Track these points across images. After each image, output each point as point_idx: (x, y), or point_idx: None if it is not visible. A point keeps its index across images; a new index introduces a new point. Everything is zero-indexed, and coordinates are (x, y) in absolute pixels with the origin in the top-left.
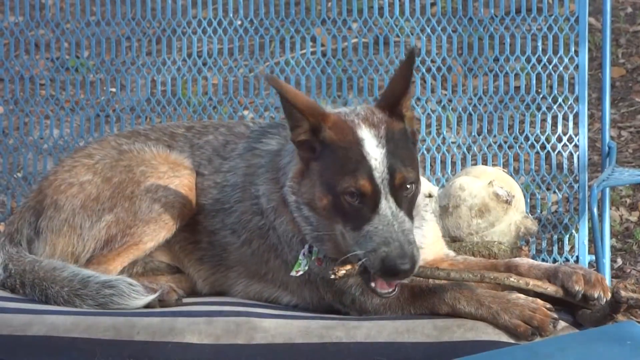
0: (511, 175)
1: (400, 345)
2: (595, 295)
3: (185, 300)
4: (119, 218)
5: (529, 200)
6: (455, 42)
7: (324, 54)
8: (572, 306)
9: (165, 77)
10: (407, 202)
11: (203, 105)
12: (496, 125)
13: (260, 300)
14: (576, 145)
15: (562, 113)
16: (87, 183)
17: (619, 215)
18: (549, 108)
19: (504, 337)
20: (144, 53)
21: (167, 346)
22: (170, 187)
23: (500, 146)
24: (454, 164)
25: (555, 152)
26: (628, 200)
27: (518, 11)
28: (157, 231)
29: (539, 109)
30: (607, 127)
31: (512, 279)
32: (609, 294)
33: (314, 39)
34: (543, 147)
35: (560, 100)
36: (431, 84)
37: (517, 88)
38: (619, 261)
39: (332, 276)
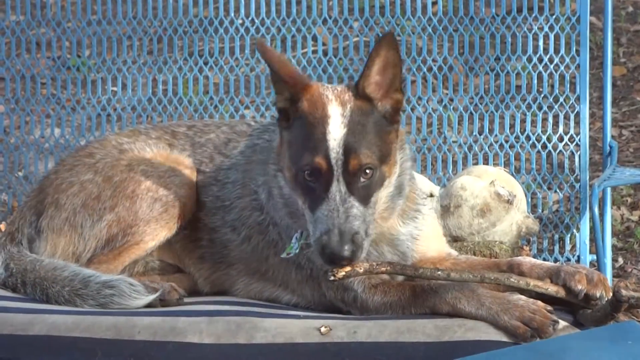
0: (512, 175)
1: (400, 345)
2: (597, 295)
3: (186, 299)
4: (120, 217)
5: (530, 200)
6: (457, 41)
7: (325, 53)
8: (572, 306)
9: (166, 76)
10: (363, 189)
11: (204, 105)
12: (497, 125)
13: (260, 299)
14: (577, 145)
15: (563, 112)
16: (88, 182)
17: (620, 215)
18: (550, 107)
19: (505, 337)
20: (145, 52)
21: (168, 346)
22: (171, 186)
23: (501, 145)
24: (455, 163)
25: (557, 152)
26: (629, 200)
27: (519, 10)
28: (158, 230)
29: (540, 108)
30: (608, 126)
31: (512, 279)
32: (611, 294)
33: (315, 38)
34: (544, 146)
35: (561, 99)
36: (432, 83)
37: (518, 87)
38: (620, 260)
39: (332, 277)
